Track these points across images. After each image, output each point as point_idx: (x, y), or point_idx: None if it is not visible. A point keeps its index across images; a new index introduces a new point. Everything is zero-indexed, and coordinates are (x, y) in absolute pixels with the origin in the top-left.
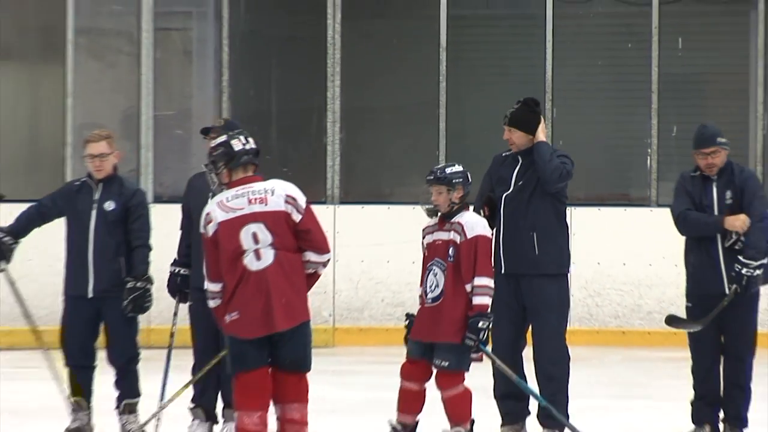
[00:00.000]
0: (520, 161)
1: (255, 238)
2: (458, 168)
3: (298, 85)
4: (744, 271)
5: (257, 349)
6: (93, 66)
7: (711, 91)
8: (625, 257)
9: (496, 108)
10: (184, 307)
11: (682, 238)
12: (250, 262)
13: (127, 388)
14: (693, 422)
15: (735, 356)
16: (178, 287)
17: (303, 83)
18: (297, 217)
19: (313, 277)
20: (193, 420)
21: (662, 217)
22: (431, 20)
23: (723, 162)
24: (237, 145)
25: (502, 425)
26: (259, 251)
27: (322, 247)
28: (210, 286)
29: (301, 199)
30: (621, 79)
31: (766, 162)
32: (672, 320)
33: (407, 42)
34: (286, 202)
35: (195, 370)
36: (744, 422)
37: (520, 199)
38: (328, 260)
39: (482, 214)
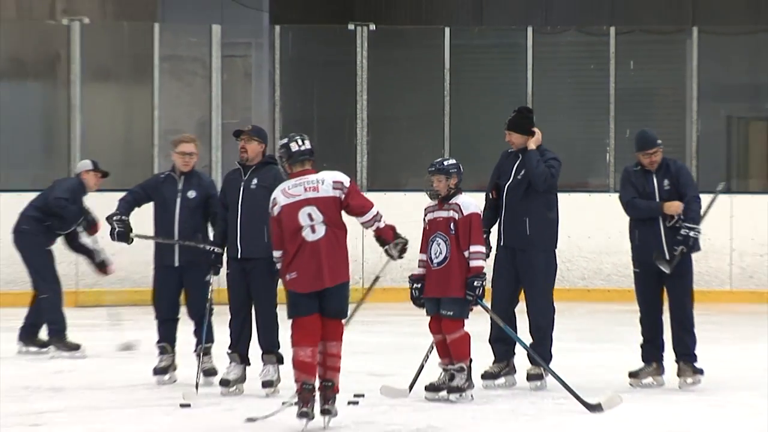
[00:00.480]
0: (520, 157)
1: (310, 217)
2: (453, 161)
3: (334, 99)
4: (692, 233)
5: (309, 300)
6: (174, 85)
7: (656, 102)
8: (590, 232)
9: (488, 116)
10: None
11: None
12: (307, 235)
13: (203, 336)
14: (642, 360)
15: (680, 307)
16: (213, 262)
17: (338, 98)
18: (343, 197)
19: (381, 231)
20: (230, 363)
21: (618, 201)
22: (438, 49)
23: (660, 158)
24: (294, 146)
25: (493, 363)
26: (313, 227)
27: (364, 210)
28: (275, 254)
29: (346, 181)
30: (586, 92)
31: (699, 158)
32: (657, 257)
33: (419, 65)
34: (334, 188)
35: (231, 323)
36: (694, 358)
37: (517, 188)
38: (376, 213)
39: (491, 196)
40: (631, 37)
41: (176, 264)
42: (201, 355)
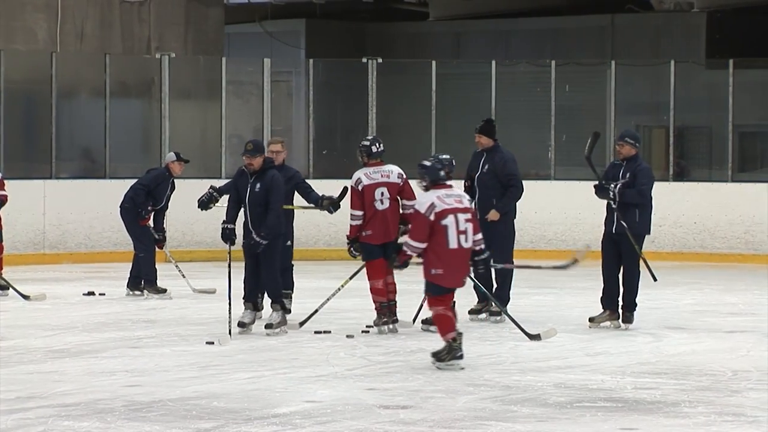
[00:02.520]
0: (485, 155)
1: (381, 194)
2: (447, 156)
3: (351, 112)
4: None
5: (380, 249)
6: (236, 102)
7: (585, 114)
8: (536, 208)
9: (463, 125)
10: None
11: (569, 196)
12: (378, 206)
13: (285, 284)
14: (603, 308)
15: (629, 268)
16: (229, 236)
17: (354, 111)
18: (402, 184)
19: (408, 215)
20: (245, 310)
21: (557, 187)
22: (427, 76)
23: (628, 153)
24: (374, 148)
25: (477, 303)
26: (383, 200)
27: (411, 197)
28: (356, 213)
29: (404, 175)
30: (534, 108)
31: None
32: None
33: (413, 87)
34: (398, 177)
35: (245, 282)
36: (634, 306)
37: (485, 179)
38: (415, 202)
39: (466, 184)
40: (566, 68)
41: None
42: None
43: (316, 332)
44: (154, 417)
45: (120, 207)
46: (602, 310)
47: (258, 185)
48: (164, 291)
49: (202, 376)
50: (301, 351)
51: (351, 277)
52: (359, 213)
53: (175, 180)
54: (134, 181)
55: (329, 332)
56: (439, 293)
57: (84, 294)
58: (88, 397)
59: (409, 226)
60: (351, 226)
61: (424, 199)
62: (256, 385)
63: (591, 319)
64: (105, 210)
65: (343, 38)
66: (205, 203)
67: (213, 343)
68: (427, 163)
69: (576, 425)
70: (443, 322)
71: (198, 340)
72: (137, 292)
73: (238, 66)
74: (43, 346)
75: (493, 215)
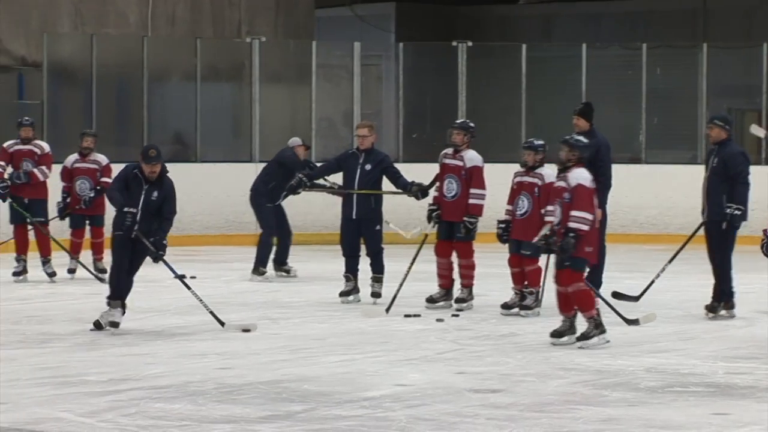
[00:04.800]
0: None
1: None
2: (541, 141)
3: (441, 96)
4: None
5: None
6: (326, 86)
7: (676, 98)
8: (627, 192)
9: (553, 108)
10: None
11: (660, 179)
12: None
13: (376, 268)
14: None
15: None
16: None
17: (444, 95)
18: None
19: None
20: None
21: (649, 170)
22: (517, 59)
23: (718, 137)
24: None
25: None
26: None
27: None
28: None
29: None
30: (625, 91)
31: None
32: None
33: (503, 71)
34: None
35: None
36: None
37: None
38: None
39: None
40: (658, 51)
41: (353, 217)
42: (374, 282)
43: (406, 316)
44: (245, 399)
45: (252, 190)
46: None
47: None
48: (264, 273)
49: (293, 359)
50: (392, 335)
51: (415, 258)
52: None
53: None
54: (225, 165)
55: (419, 316)
56: (584, 270)
57: (175, 277)
58: (180, 379)
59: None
60: (481, 205)
61: (587, 174)
62: (346, 368)
63: (709, 309)
64: (195, 193)
65: (432, 22)
66: (294, 187)
67: (248, 330)
68: (585, 140)
69: (668, 410)
70: (588, 298)
71: (289, 324)
72: (282, 273)
73: (328, 50)
74: (136, 328)
75: (597, 214)
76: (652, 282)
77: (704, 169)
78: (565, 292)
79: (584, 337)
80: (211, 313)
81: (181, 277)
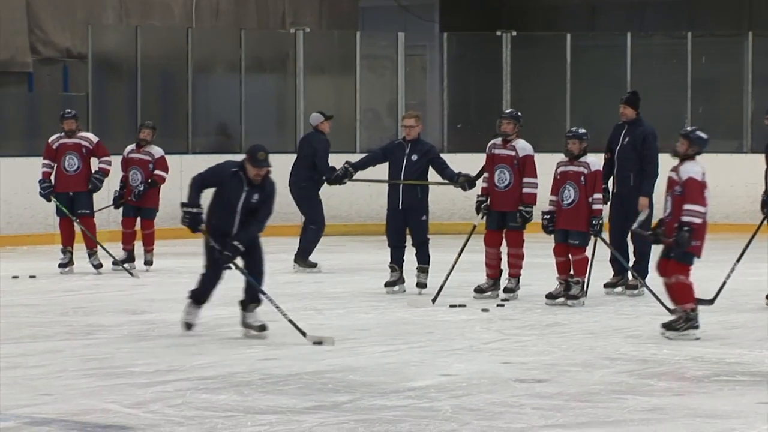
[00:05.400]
0: (626, 128)
1: None
2: (584, 130)
3: (485, 86)
4: None
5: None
6: (370, 76)
7: (721, 87)
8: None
9: (598, 98)
10: None
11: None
12: None
13: (422, 258)
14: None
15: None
16: (342, 176)
17: (488, 85)
18: None
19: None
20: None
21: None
22: (562, 49)
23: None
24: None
25: (612, 276)
26: None
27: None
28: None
29: None
30: (670, 80)
31: (753, 128)
32: None
33: (548, 61)
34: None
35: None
36: None
37: (624, 152)
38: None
39: (606, 157)
40: (703, 40)
41: (400, 207)
42: (420, 273)
43: (451, 306)
44: (290, 390)
45: (293, 182)
46: None
47: (256, 196)
48: (314, 265)
49: (338, 350)
50: (437, 325)
51: (463, 248)
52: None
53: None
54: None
55: (464, 306)
56: (691, 263)
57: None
58: (225, 370)
59: None
60: (535, 194)
61: (698, 168)
62: (391, 358)
63: None
64: None
65: (477, 12)
66: (340, 178)
67: (320, 343)
68: (705, 136)
69: (713, 399)
70: (687, 291)
71: (334, 314)
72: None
73: (372, 40)
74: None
75: (643, 203)
76: (724, 283)
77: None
78: (669, 283)
79: (671, 327)
80: (291, 322)
81: (262, 293)
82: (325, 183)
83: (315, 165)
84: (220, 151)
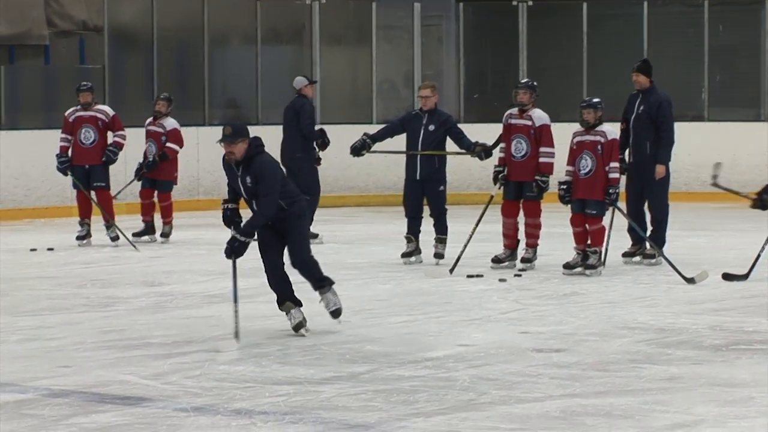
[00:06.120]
0: (641, 96)
1: None
2: (598, 99)
3: (501, 56)
4: None
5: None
6: (386, 47)
7: (738, 55)
8: (690, 150)
9: (614, 66)
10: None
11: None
12: None
13: (440, 229)
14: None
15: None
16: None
17: (504, 55)
18: None
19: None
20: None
21: (711, 128)
22: (578, 18)
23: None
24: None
25: (630, 246)
26: None
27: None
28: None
29: None
30: (687, 48)
31: None
32: None
33: (564, 30)
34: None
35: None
36: None
37: (639, 121)
38: None
39: (621, 127)
40: (720, 7)
41: (417, 177)
42: (438, 243)
43: (468, 276)
44: (308, 361)
45: (284, 155)
46: None
47: (248, 179)
48: (315, 236)
49: (356, 320)
50: (454, 295)
51: (480, 219)
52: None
53: (329, 126)
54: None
55: (482, 276)
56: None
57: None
58: (243, 341)
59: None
60: (552, 163)
61: None
62: (409, 328)
63: None
64: None
65: None
66: (358, 149)
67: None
68: None
69: (731, 368)
70: None
71: (352, 285)
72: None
73: (388, 11)
74: (200, 291)
75: (661, 171)
76: (758, 257)
77: None
78: None
79: None
80: (236, 322)
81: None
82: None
83: (304, 134)
84: None
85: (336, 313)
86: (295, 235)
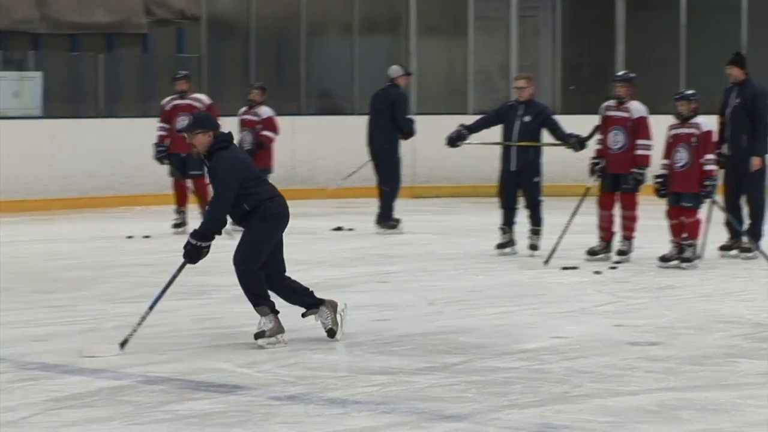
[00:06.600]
0: (736, 90)
1: None
2: (693, 91)
3: (598, 47)
4: None
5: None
6: (482, 38)
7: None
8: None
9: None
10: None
11: None
12: None
13: (535, 220)
14: None
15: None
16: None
17: (601, 46)
18: None
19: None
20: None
21: None
22: (675, 9)
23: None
24: None
25: (728, 239)
26: None
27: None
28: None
29: None
30: None
31: None
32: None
33: (661, 21)
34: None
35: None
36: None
37: (735, 114)
38: None
39: (720, 121)
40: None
41: (512, 168)
42: (533, 234)
43: (563, 268)
44: (401, 351)
45: (372, 143)
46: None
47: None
48: (394, 226)
49: (449, 311)
50: (549, 287)
51: (576, 210)
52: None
53: (424, 117)
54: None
55: (577, 268)
56: None
57: (332, 229)
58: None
59: None
60: (649, 156)
61: None
62: (503, 320)
63: None
64: (352, 145)
65: None
66: (454, 140)
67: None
68: None
69: None
70: None
71: (445, 276)
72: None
73: (485, 2)
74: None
75: (757, 163)
76: None
77: None
78: None
79: None
80: (135, 329)
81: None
82: (445, 144)
83: (392, 120)
84: (331, 112)
85: (259, 336)
86: (246, 237)
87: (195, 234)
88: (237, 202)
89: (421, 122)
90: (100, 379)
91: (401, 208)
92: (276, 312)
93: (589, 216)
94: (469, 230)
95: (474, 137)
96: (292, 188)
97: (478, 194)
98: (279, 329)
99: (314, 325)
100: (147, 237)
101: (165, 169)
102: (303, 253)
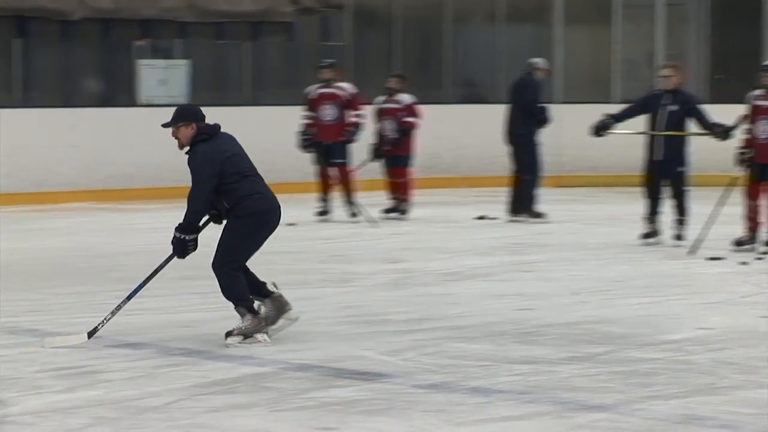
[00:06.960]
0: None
1: None
2: None
3: (747, 36)
4: None
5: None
6: (628, 26)
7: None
8: None
9: None
10: None
11: None
12: None
13: (680, 210)
14: None
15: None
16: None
17: (750, 35)
18: None
19: None
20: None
21: None
22: None
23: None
24: None
25: None
26: None
27: None
28: None
29: None
30: None
31: None
32: None
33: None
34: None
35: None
36: None
37: None
38: None
39: None
40: None
41: (658, 158)
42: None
43: (709, 258)
44: (545, 341)
45: (510, 131)
46: None
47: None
48: (540, 215)
49: (594, 301)
50: (694, 277)
51: (722, 200)
52: None
53: (569, 105)
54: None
55: (722, 259)
56: None
57: (475, 218)
58: (480, 320)
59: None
60: None
61: None
62: (648, 310)
63: None
64: (496, 134)
65: None
66: (599, 129)
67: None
68: None
69: None
70: None
71: (589, 265)
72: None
73: None
74: (438, 268)
75: None
76: None
77: None
78: None
79: None
80: (104, 322)
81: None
82: (591, 133)
83: (527, 108)
84: (475, 101)
85: (228, 334)
86: (223, 236)
87: (179, 227)
88: (217, 198)
89: (565, 111)
90: (244, 366)
91: (545, 197)
92: (255, 312)
93: (735, 206)
94: (613, 220)
95: (619, 126)
96: (436, 177)
97: (623, 183)
98: (256, 328)
99: (456, 314)
100: (291, 225)
101: (308, 157)
102: (446, 241)
